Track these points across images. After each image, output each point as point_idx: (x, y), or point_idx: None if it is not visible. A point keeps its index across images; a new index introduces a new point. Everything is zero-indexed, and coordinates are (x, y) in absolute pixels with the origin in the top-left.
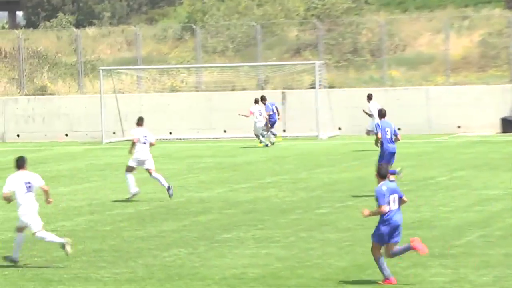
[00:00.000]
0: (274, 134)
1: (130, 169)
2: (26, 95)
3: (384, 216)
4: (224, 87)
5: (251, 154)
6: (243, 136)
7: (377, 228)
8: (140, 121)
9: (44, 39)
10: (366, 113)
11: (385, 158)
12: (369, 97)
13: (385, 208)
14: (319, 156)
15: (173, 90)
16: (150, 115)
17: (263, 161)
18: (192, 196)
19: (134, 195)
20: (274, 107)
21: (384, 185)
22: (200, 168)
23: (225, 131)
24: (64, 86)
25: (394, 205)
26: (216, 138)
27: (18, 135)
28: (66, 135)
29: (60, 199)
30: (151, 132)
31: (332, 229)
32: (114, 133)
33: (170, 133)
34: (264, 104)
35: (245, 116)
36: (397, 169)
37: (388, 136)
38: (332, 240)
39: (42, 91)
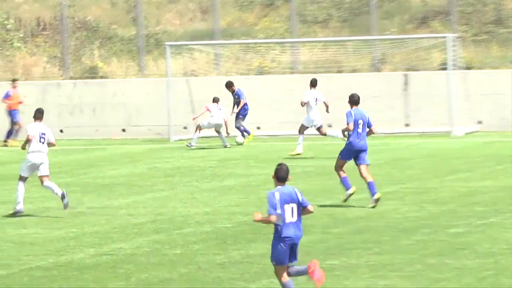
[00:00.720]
0: (247, 132)
1: (23, 178)
2: (71, 78)
3: (276, 232)
4: (327, 68)
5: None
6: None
7: (272, 245)
8: (38, 115)
9: (94, 7)
10: (303, 104)
11: (348, 156)
12: (312, 84)
13: (273, 218)
14: (453, 159)
15: (260, 72)
16: (231, 104)
17: (379, 164)
18: None
19: (17, 212)
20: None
21: (278, 191)
22: (297, 174)
23: (330, 126)
24: (120, 67)
25: (291, 217)
26: (317, 134)
27: (61, 131)
28: (123, 130)
29: (116, 213)
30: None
31: (470, 254)
32: (185, 128)
33: (258, 128)
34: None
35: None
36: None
37: (360, 130)
38: (471, 268)
39: (92, 73)
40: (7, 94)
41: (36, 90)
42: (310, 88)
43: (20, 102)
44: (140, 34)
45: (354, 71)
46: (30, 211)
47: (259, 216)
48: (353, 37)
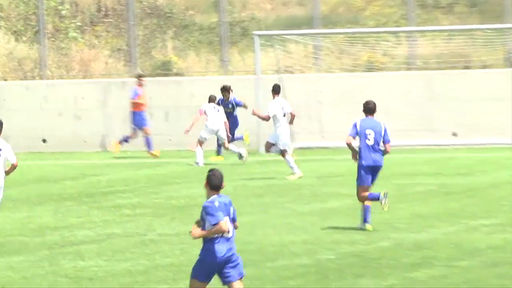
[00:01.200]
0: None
1: None
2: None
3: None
4: (451, 63)
5: (498, 172)
6: (484, 142)
7: (198, 261)
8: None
9: None
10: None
11: (366, 178)
12: (276, 91)
13: (223, 224)
14: None
15: (370, 68)
16: (333, 107)
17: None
18: (404, 239)
19: None
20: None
21: (216, 200)
22: (415, 193)
23: (455, 134)
24: (198, 62)
25: (227, 233)
26: (441, 145)
27: (125, 140)
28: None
29: (193, 241)
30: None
31: None
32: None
33: None
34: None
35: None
36: None
37: (369, 142)
38: None
39: (165, 69)
40: (135, 92)
41: (96, 90)
42: (274, 96)
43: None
44: (223, 22)
45: (484, 67)
46: (89, 238)
47: (197, 231)
48: (484, 25)
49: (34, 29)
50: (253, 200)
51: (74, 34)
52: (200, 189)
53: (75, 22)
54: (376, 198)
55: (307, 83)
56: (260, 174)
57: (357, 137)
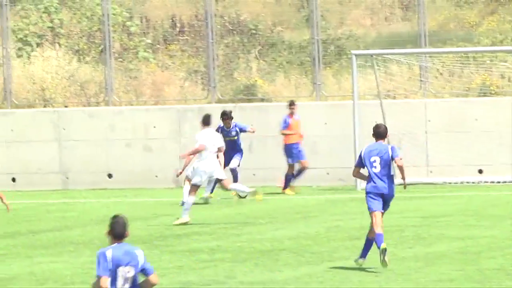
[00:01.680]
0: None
1: None
2: (219, 101)
3: None
4: None
5: None
6: None
7: None
8: None
9: (252, 1)
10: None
11: (376, 204)
12: (206, 122)
13: (102, 282)
14: None
15: (484, 92)
16: (441, 137)
17: None
18: None
19: None
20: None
21: (111, 248)
22: None
23: None
24: (287, 85)
25: (123, 286)
26: None
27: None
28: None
29: None
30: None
31: None
32: None
33: (480, 171)
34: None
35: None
36: None
37: (376, 169)
38: None
39: (249, 94)
40: (285, 122)
41: (170, 118)
42: (203, 126)
43: (301, 135)
44: (316, 40)
45: None
46: (162, 286)
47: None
48: None
49: (98, 48)
50: (348, 243)
51: (145, 54)
52: (288, 231)
53: (146, 40)
54: (378, 244)
55: (412, 110)
56: (357, 215)
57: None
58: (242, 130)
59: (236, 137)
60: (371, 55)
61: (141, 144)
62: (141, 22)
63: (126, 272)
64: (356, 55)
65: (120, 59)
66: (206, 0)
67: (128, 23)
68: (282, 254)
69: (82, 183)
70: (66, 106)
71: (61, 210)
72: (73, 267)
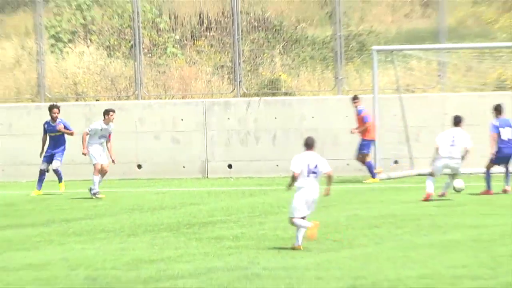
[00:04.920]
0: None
1: None
2: (244, 95)
3: None
4: None
5: None
6: None
7: None
8: None
9: None
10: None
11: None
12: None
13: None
14: None
15: (501, 86)
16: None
17: None
18: None
19: None
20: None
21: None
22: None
23: None
24: (310, 80)
25: None
26: None
27: (229, 166)
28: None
29: (301, 276)
30: None
31: None
32: (395, 162)
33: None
34: None
35: None
36: None
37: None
38: None
39: (273, 88)
40: (363, 113)
41: (197, 111)
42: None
43: (367, 129)
44: (338, 36)
45: None
46: (187, 272)
47: None
48: None
49: (129, 44)
50: (367, 231)
51: (173, 50)
52: (309, 219)
53: (174, 36)
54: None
55: (430, 104)
56: (376, 204)
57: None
58: (65, 128)
59: (61, 133)
60: (391, 51)
61: (169, 136)
62: (170, 19)
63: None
64: (377, 50)
65: (149, 55)
66: None
67: (157, 20)
68: (303, 242)
69: (112, 173)
70: (97, 100)
71: (92, 199)
72: (103, 253)
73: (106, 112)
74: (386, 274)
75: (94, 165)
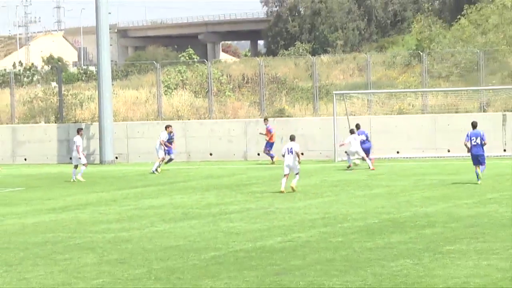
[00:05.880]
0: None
1: None
2: (266, 118)
3: None
4: (448, 109)
5: (474, 173)
6: (466, 155)
7: None
8: None
9: (283, 66)
10: None
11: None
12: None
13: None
14: None
15: (400, 112)
16: (378, 135)
17: (484, 179)
18: (418, 211)
19: None
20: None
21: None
22: (425, 185)
23: (448, 151)
24: (300, 109)
25: None
26: (440, 157)
27: (258, 154)
28: (302, 154)
29: (296, 212)
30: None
31: None
32: (346, 152)
33: (398, 152)
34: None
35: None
36: None
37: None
38: None
39: (280, 113)
40: (269, 128)
41: (241, 125)
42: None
43: (272, 136)
44: (315, 86)
45: (466, 111)
46: (235, 210)
47: None
48: (467, 88)
49: (205, 90)
50: (331, 189)
51: (229, 93)
52: (303, 180)
53: (229, 86)
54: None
55: (363, 122)
56: (336, 174)
57: None
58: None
59: (172, 140)
60: (343, 94)
61: (226, 138)
62: (227, 76)
63: (291, 150)
64: (335, 93)
65: (216, 96)
66: (260, 65)
67: (221, 77)
68: (297, 194)
69: (196, 158)
70: (188, 119)
71: (186, 171)
72: (190, 200)
73: (167, 126)
74: (341, 211)
75: (161, 157)
